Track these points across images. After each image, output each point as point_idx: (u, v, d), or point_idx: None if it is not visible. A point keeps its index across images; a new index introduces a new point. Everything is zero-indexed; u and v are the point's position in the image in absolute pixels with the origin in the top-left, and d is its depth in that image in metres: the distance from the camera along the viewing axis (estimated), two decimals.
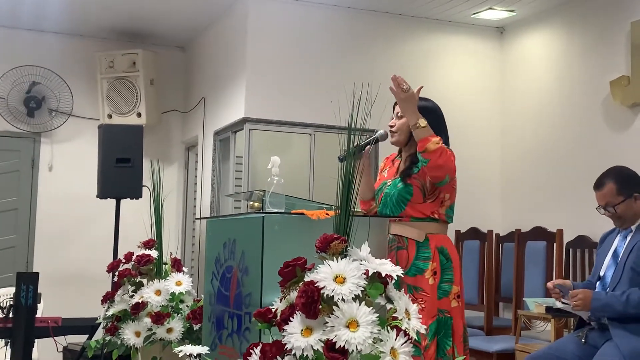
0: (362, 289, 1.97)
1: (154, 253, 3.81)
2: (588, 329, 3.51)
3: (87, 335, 4.42)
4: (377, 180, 3.37)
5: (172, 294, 3.63)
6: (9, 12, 6.33)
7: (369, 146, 3.18)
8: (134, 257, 3.82)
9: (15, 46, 6.75)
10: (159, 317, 3.51)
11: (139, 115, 6.66)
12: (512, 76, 6.32)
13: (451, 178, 3.13)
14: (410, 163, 3.20)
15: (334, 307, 1.93)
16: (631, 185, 3.48)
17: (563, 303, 3.47)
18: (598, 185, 3.54)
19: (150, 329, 3.52)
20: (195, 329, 3.54)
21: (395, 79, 3.02)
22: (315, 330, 1.93)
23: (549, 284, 3.55)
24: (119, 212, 5.77)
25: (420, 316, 2.12)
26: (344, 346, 1.88)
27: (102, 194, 5.74)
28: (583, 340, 3.48)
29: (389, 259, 2.16)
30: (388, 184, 3.25)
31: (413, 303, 2.12)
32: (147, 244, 3.88)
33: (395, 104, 3.23)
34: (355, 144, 2.19)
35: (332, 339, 1.89)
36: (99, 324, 3.84)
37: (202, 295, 3.31)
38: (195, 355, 2.48)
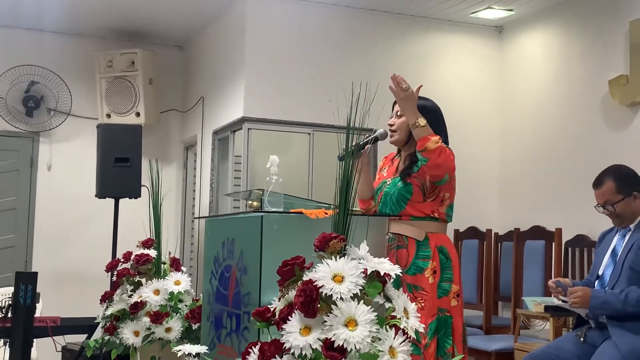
0: (361, 287, 1.97)
1: (152, 252, 3.81)
2: (587, 328, 3.51)
3: (85, 335, 4.42)
4: (377, 179, 3.38)
5: (171, 293, 3.63)
6: (8, 11, 6.32)
7: (368, 145, 3.18)
8: (132, 257, 3.82)
9: (14, 45, 6.74)
10: (157, 317, 3.51)
11: (138, 114, 6.65)
12: (511, 75, 6.32)
13: (450, 177, 3.13)
14: (409, 162, 3.20)
15: (333, 306, 1.93)
16: (630, 183, 3.48)
17: (562, 300, 3.47)
18: (597, 183, 3.54)
19: (149, 329, 3.53)
20: (194, 328, 3.54)
21: (394, 78, 3.02)
22: (314, 329, 1.93)
23: (550, 282, 3.55)
24: (117, 212, 5.77)
25: (419, 315, 2.12)
26: (342, 345, 1.88)
27: (101, 194, 5.73)
28: (582, 339, 3.48)
29: (389, 258, 2.16)
30: (387, 183, 3.25)
31: (413, 302, 2.12)
32: (146, 244, 3.88)
33: (395, 103, 3.23)
34: (355, 143, 2.19)
35: (330, 338, 1.89)
36: (98, 323, 3.84)
37: (201, 295, 3.31)
38: (194, 354, 2.48)
